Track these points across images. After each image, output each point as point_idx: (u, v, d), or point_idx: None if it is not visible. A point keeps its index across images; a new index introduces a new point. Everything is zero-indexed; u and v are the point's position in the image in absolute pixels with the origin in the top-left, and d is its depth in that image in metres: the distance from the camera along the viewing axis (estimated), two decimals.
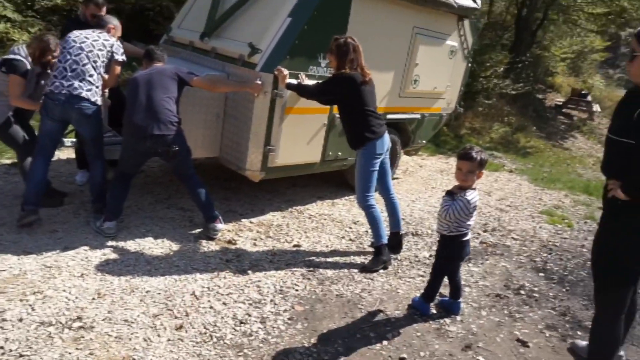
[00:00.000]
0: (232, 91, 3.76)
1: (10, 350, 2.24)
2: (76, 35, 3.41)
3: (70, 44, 3.36)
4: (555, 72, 14.81)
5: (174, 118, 3.32)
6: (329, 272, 3.34)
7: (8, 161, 4.54)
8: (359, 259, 3.61)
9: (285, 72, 3.49)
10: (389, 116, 4.64)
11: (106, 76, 3.57)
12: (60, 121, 3.39)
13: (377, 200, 3.48)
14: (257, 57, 3.61)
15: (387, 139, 3.42)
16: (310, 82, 3.67)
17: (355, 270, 3.42)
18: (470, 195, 2.72)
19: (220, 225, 3.59)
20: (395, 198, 3.65)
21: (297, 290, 3.07)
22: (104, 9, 4.00)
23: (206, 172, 4.79)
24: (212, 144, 3.93)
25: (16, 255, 3.04)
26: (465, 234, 2.82)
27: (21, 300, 2.62)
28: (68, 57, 3.32)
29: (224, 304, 2.82)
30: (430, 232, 4.28)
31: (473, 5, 4.96)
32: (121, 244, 3.34)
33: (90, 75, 3.35)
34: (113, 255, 3.18)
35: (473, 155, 2.66)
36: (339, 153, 4.30)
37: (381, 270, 3.46)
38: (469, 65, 5.49)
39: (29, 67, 3.43)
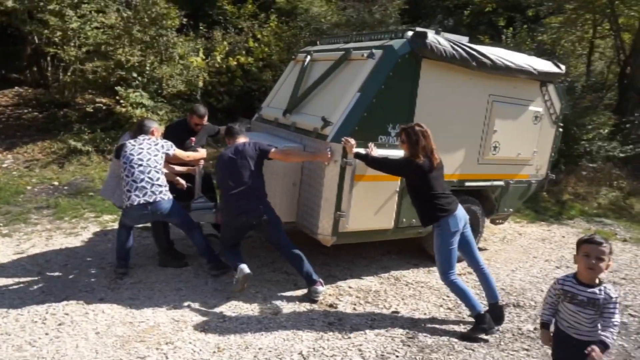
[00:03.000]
0: (305, 161, 4.07)
1: None
2: (131, 147, 3.83)
3: (129, 157, 3.78)
4: None
5: (261, 192, 3.74)
6: (429, 340, 3.37)
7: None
8: (458, 328, 3.58)
9: (352, 142, 3.68)
10: (467, 183, 4.64)
11: (195, 156, 4.24)
12: (146, 222, 4.10)
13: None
14: (329, 129, 3.90)
15: (461, 215, 3.44)
16: (380, 151, 3.85)
17: (456, 340, 3.40)
18: (611, 291, 2.34)
19: (321, 288, 3.82)
20: (486, 269, 3.62)
21: (397, 356, 3.14)
22: (205, 119, 4.56)
23: (305, 238, 5.13)
24: (289, 210, 4.20)
25: (151, 310, 3.53)
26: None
27: (157, 349, 3.03)
28: (131, 169, 3.76)
29: None
30: (533, 303, 4.11)
31: (556, 70, 4.87)
32: (235, 303, 3.70)
33: (157, 179, 3.80)
34: (228, 313, 3.54)
35: (600, 239, 2.33)
36: (413, 220, 4.23)
37: (482, 342, 3.39)
38: (560, 130, 5.31)
39: None
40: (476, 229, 4.93)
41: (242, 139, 3.93)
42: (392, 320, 3.63)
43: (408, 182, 3.56)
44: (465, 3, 13.56)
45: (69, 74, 8.58)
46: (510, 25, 11.14)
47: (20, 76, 9.45)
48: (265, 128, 5.00)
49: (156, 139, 4.01)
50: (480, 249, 5.33)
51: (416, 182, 3.45)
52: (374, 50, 4.01)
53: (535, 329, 3.64)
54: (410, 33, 4.03)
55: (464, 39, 4.41)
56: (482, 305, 3.54)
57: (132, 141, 3.92)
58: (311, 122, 4.16)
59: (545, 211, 7.39)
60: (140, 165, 3.78)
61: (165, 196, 3.84)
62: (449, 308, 3.91)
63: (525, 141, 4.90)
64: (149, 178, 3.78)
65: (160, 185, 3.83)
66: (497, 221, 5.52)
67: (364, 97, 3.88)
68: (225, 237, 3.97)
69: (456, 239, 3.40)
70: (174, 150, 4.05)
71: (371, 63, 3.97)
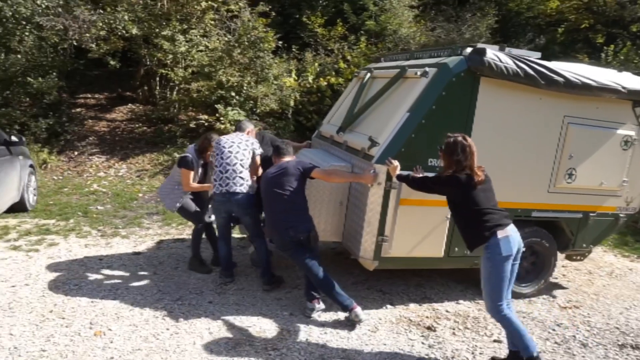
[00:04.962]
0: (348, 181, 3.97)
1: None
2: (223, 140, 4.12)
3: (221, 149, 4.05)
4: None
5: (305, 209, 3.73)
6: None
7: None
8: None
9: (395, 163, 3.54)
10: (535, 214, 4.20)
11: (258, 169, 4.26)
12: (227, 214, 4.14)
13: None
14: (375, 149, 3.78)
15: (516, 239, 3.05)
16: (429, 175, 3.60)
17: None
18: None
19: (318, 306, 3.77)
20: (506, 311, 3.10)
21: None
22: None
23: None
24: (336, 229, 4.13)
25: (255, 316, 3.73)
26: None
27: (265, 353, 3.19)
28: (221, 161, 4.01)
29: None
30: None
31: None
32: (334, 316, 3.80)
33: (241, 172, 4.00)
34: (328, 326, 3.64)
35: None
36: (467, 251, 3.73)
37: None
38: None
39: (194, 161, 4.27)
40: (546, 264, 4.44)
41: (287, 158, 3.92)
42: (494, 349, 3.51)
43: (450, 200, 3.25)
44: (558, 20, 12.92)
45: (175, 92, 9.42)
46: (610, 42, 10.41)
47: (133, 94, 10.52)
48: (322, 145, 4.97)
49: (248, 137, 4.22)
50: (561, 287, 4.91)
51: (457, 198, 3.15)
52: (427, 69, 3.85)
53: None
54: (468, 50, 3.80)
55: (534, 55, 4.06)
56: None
57: (227, 136, 4.19)
58: (360, 142, 4.09)
59: None
60: (229, 157, 4.01)
61: (245, 190, 3.99)
62: (556, 343, 3.70)
63: (610, 169, 4.34)
64: (233, 170, 3.99)
65: (242, 179, 3.99)
66: (575, 257, 4.88)
67: (413, 118, 3.71)
68: (295, 261, 3.84)
69: (508, 266, 3.01)
70: (259, 155, 4.23)
71: (424, 82, 3.80)
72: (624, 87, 4.13)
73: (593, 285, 5.04)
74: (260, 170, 4.25)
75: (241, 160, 4.03)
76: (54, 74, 8.61)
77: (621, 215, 4.62)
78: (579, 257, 4.91)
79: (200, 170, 4.44)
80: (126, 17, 8.25)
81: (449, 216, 3.79)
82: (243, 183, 3.99)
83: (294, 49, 9.93)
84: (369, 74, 4.85)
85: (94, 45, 8.37)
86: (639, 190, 4.61)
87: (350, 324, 3.68)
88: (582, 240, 4.54)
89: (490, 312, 3.11)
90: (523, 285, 4.38)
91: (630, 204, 4.62)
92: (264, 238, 4.23)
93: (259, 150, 4.21)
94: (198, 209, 4.48)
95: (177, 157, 4.48)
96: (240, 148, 4.07)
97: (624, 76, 4.35)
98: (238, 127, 4.38)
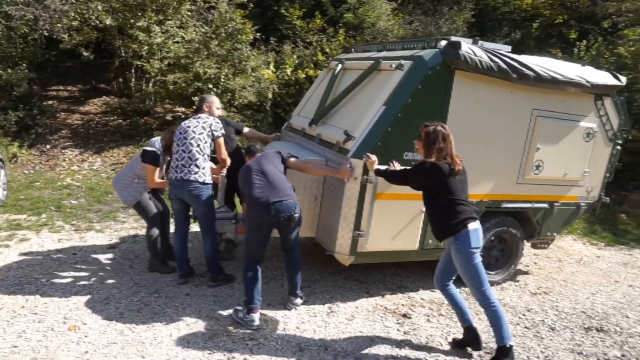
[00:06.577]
0: (323, 175, 3.91)
1: None
2: (181, 127, 3.91)
3: (178, 136, 3.86)
4: None
5: (289, 186, 3.57)
6: None
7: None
8: (538, 348, 3.49)
9: (373, 158, 3.50)
10: (505, 204, 4.30)
11: (225, 155, 4.00)
12: (181, 201, 3.96)
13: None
14: (351, 143, 3.73)
15: (481, 233, 3.14)
16: (402, 167, 3.59)
17: (536, 358, 3.33)
18: None
19: (298, 301, 3.78)
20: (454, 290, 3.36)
21: None
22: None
23: None
24: (309, 224, 4.03)
25: (233, 307, 3.72)
26: None
27: (242, 344, 3.21)
28: (177, 147, 3.85)
29: None
30: (618, 329, 3.91)
31: (614, 82, 4.46)
32: (312, 307, 3.83)
33: (196, 159, 3.81)
34: (306, 316, 3.68)
35: None
36: (440, 243, 3.82)
37: None
38: (618, 148, 4.77)
39: (160, 156, 4.07)
40: (514, 253, 4.58)
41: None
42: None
43: (425, 190, 3.23)
44: (533, 15, 13.18)
45: (151, 85, 9.26)
46: (583, 37, 10.68)
47: (108, 87, 10.29)
48: (293, 137, 4.89)
49: (207, 117, 3.94)
50: (532, 274, 5.13)
51: (436, 187, 3.12)
52: (402, 62, 3.82)
53: (622, 355, 3.48)
54: (443, 43, 3.79)
55: (505, 49, 4.10)
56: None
57: (186, 121, 3.97)
58: (335, 135, 4.02)
59: (625, 234, 6.96)
60: (185, 143, 3.82)
61: (199, 178, 3.81)
62: (526, 327, 3.82)
63: (573, 160, 4.48)
64: (189, 157, 3.80)
65: (197, 166, 3.80)
66: (539, 245, 5.02)
67: (389, 111, 3.67)
68: (249, 245, 3.59)
69: (478, 254, 3.08)
70: (220, 136, 3.94)
71: (399, 74, 3.77)
72: (588, 81, 4.25)
73: (562, 272, 5.21)
74: (225, 154, 4.06)
75: (197, 146, 3.82)
76: (24, 65, 8.34)
77: (582, 204, 4.80)
78: (543, 245, 5.05)
79: (165, 166, 4.23)
80: (100, 7, 8.05)
81: (423, 209, 3.72)
82: (198, 171, 3.81)
83: (272, 41, 9.85)
84: (340, 65, 4.77)
85: (66, 36, 8.13)
86: (599, 180, 4.80)
87: (327, 312, 3.73)
88: (546, 229, 4.69)
89: (478, 300, 3.16)
90: (493, 272, 4.50)
91: (590, 193, 4.79)
92: (214, 235, 4.05)
93: (219, 132, 3.93)
94: (156, 212, 4.29)
95: (141, 150, 4.16)
96: (196, 133, 3.83)
97: (587, 70, 4.46)
98: (198, 104, 4.07)
